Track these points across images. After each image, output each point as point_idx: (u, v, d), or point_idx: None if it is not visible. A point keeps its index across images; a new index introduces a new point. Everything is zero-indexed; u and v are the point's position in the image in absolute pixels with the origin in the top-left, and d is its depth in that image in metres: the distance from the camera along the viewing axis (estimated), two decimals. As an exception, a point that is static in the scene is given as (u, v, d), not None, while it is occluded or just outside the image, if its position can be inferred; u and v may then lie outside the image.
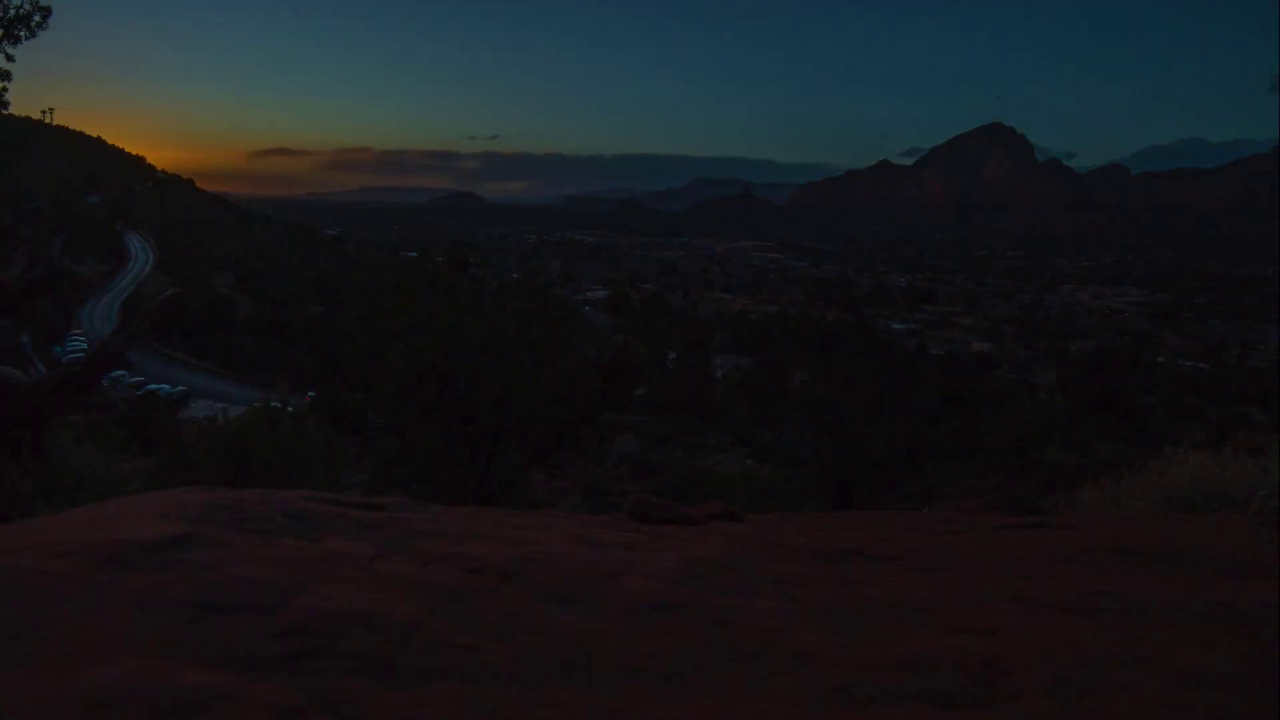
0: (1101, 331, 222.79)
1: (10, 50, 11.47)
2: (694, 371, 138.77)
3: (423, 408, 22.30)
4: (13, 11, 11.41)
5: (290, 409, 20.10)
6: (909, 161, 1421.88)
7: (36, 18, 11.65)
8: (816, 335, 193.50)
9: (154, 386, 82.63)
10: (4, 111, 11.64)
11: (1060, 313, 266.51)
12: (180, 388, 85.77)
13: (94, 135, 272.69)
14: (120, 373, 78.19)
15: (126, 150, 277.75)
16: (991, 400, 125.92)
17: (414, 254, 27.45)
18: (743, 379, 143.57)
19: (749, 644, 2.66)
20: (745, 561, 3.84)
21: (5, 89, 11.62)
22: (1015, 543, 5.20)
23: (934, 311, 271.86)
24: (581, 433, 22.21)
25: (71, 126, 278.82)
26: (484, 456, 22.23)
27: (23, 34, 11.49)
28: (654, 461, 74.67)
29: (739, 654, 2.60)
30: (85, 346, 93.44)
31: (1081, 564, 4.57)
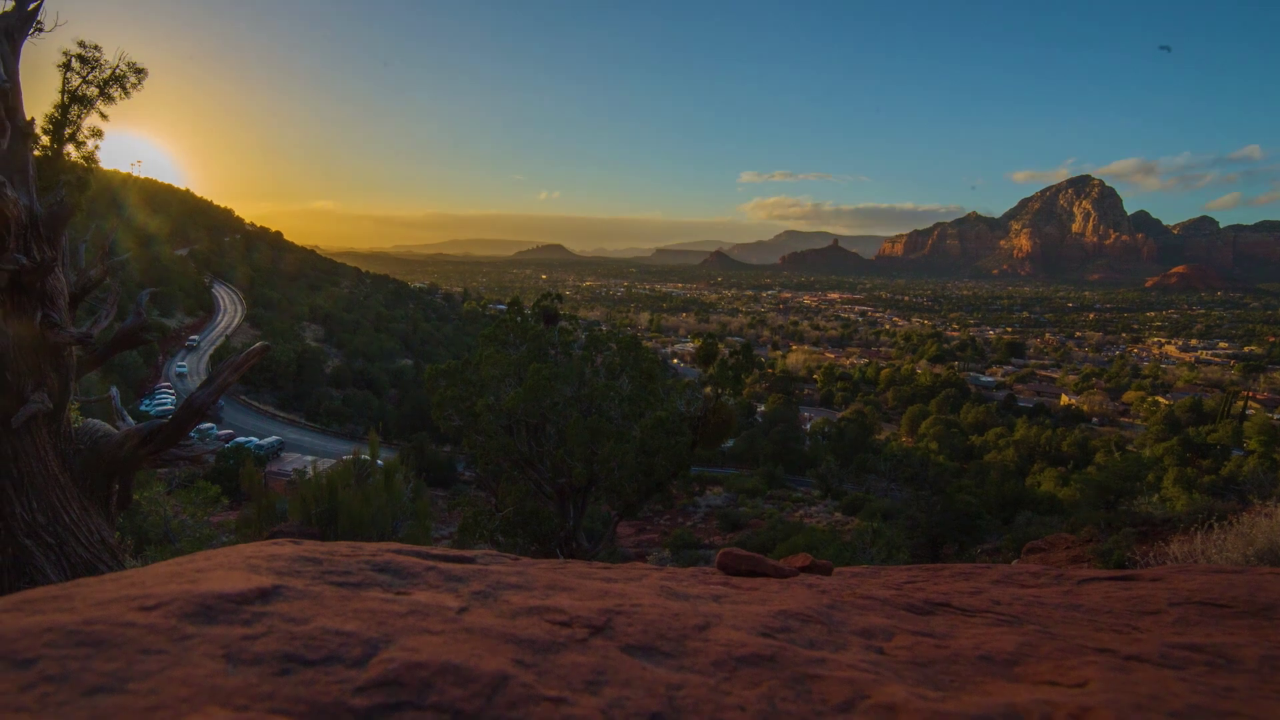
0: (1190, 384, 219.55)
1: (104, 110, 11.65)
2: (783, 424, 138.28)
3: (512, 460, 22.34)
4: (108, 72, 11.60)
5: (379, 462, 20.15)
6: (997, 214, 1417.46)
7: (131, 78, 11.83)
8: (906, 388, 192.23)
9: (243, 439, 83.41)
10: (95, 167, 11.81)
11: (1149, 366, 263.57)
12: (273, 439, 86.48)
13: (182, 188, 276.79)
14: (209, 426, 79.13)
15: (214, 203, 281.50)
16: (1081, 453, 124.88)
17: (503, 306, 27.52)
18: (831, 431, 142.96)
19: (837, 697, 2.64)
20: (833, 614, 3.81)
21: (98, 147, 11.81)
22: (1103, 595, 5.11)
23: (1023, 364, 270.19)
24: (671, 485, 22.11)
25: (159, 179, 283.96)
26: (573, 509, 22.21)
27: (117, 94, 11.67)
28: (742, 514, 74.64)
29: (827, 707, 2.58)
30: (174, 399, 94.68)
31: (1169, 617, 4.49)
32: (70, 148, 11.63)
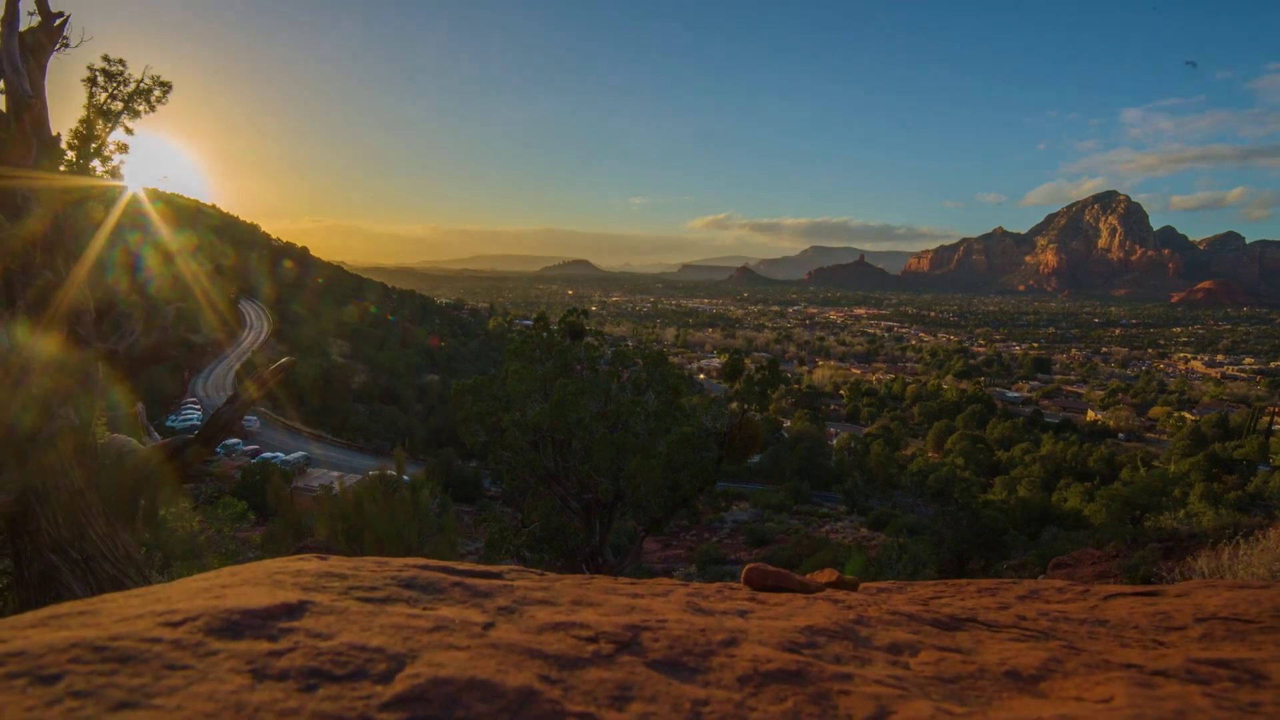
0: (1216, 400, 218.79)
1: (129, 125, 11.71)
2: (809, 440, 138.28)
3: (538, 475, 22.35)
4: (134, 86, 11.65)
5: (405, 477, 20.17)
6: (1023, 229, 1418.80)
7: (156, 92, 11.88)
8: (932, 404, 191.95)
9: (269, 455, 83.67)
10: (120, 183, 11.87)
11: (1175, 381, 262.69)
12: (299, 454, 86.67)
13: (209, 203, 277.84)
14: (235, 441, 79.43)
15: (241, 218, 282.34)
16: (1107, 468, 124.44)
17: (529, 322, 27.58)
18: (857, 447, 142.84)
19: (862, 713, 2.63)
20: (858, 629, 3.79)
21: (124, 162, 11.86)
22: (1128, 611, 5.09)
23: (1049, 380, 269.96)
24: (697, 501, 22.09)
25: (186, 194, 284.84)
26: (599, 524, 22.21)
27: (142, 108, 11.73)
28: (768, 529, 74.69)
29: (852, 722, 2.57)
30: (199, 415, 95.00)
31: (1195, 632, 4.47)
32: (96, 162, 11.69)
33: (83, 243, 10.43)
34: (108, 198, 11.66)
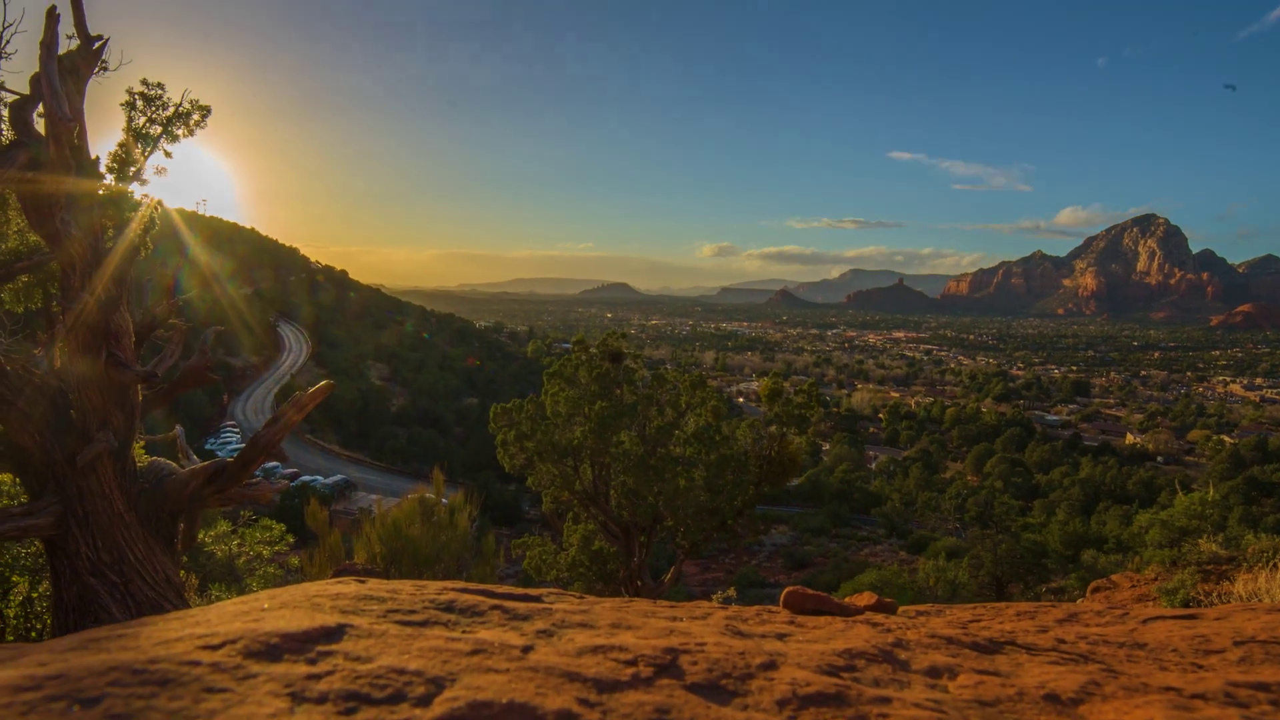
0: (1255, 423, 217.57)
1: (169, 148, 11.74)
2: (848, 463, 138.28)
3: (577, 497, 22.35)
4: (172, 109, 11.69)
5: (444, 500, 20.20)
6: (1062, 252, 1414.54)
7: (195, 116, 11.92)
8: (971, 427, 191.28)
9: (308, 478, 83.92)
10: (158, 206, 11.90)
11: (1214, 404, 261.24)
12: (338, 477, 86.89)
13: (248, 226, 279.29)
14: (274, 464, 79.73)
15: (280, 241, 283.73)
16: (1146, 491, 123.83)
17: (568, 345, 27.66)
18: (896, 470, 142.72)
19: (901, 735, 2.61)
20: (897, 653, 3.79)
21: (161, 174, 11.89)
22: (1166, 634, 5.11)
23: (1088, 403, 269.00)
24: (736, 524, 22.02)
25: (224, 217, 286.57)
26: (638, 547, 22.18)
27: (181, 132, 11.76)
28: (807, 553, 74.73)
29: (891, 745, 2.55)
30: (238, 438, 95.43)
31: (1234, 655, 4.48)
32: (135, 185, 11.73)
33: (122, 266, 10.48)
34: (146, 221, 11.70)
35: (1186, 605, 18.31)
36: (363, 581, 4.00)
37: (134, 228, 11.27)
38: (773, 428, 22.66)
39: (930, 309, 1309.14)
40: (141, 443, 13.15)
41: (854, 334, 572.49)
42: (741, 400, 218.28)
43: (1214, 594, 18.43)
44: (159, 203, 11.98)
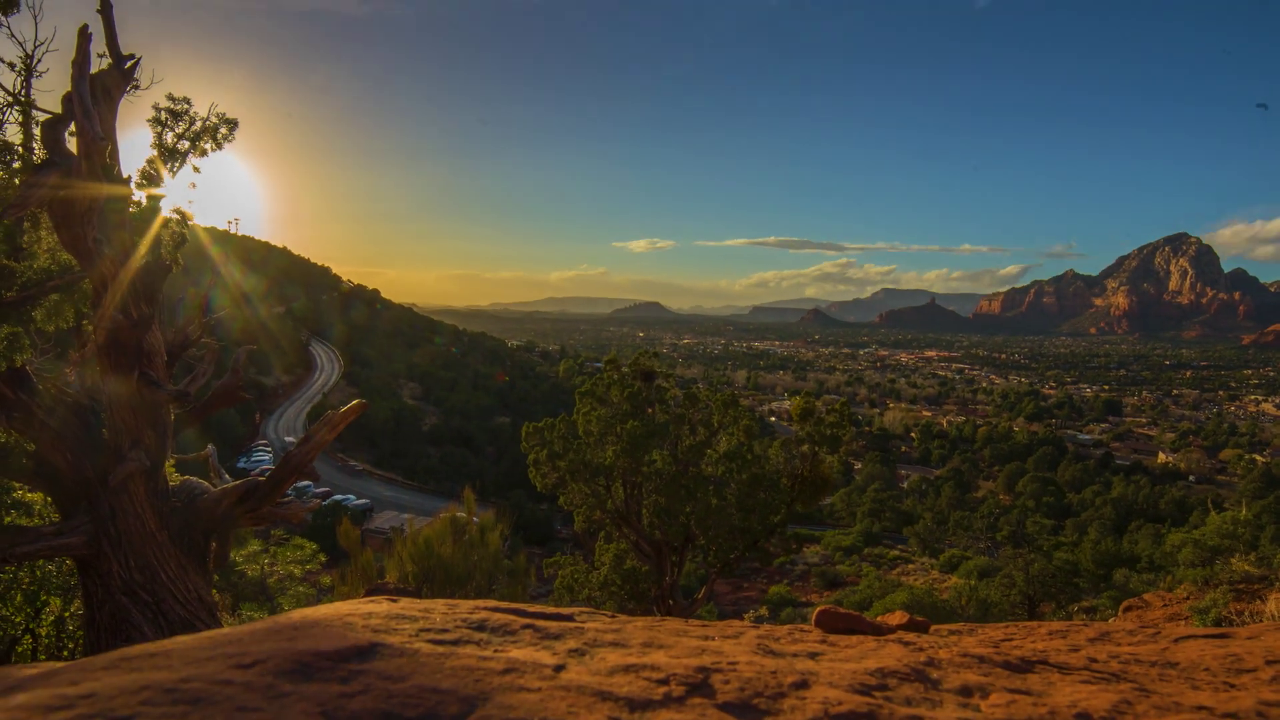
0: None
1: (197, 163, 11.78)
2: (880, 482, 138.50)
3: (609, 516, 22.34)
4: (199, 124, 11.73)
5: (475, 519, 20.24)
6: (1094, 271, 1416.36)
7: (223, 129, 11.96)
8: (1003, 446, 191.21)
9: (340, 497, 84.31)
10: (190, 223, 11.95)
11: (1246, 423, 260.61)
12: (365, 500, 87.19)
13: (279, 245, 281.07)
14: (306, 484, 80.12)
15: (312, 260, 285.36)
16: (1178, 511, 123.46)
17: (600, 364, 27.70)
18: (928, 489, 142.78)
19: (933, 755, 2.58)
20: (929, 672, 3.77)
21: (191, 202, 11.95)
22: (1198, 653, 5.09)
23: (1119, 422, 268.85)
24: (768, 543, 22.00)
25: (256, 236, 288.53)
26: (670, 566, 22.16)
27: (209, 146, 11.80)
28: (840, 572, 74.90)
29: (923, 764, 2.54)
30: (270, 457, 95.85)
31: (1266, 674, 4.46)
32: (165, 203, 11.78)
33: (154, 285, 10.51)
34: (178, 239, 11.75)
35: (1219, 624, 18.19)
36: (395, 600, 4.01)
37: (165, 245, 11.32)
38: (805, 447, 22.62)
39: (962, 328, 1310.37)
40: (173, 461, 13.20)
41: (886, 353, 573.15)
42: (773, 419, 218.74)
43: (1246, 613, 18.32)
44: (190, 218, 12.04)
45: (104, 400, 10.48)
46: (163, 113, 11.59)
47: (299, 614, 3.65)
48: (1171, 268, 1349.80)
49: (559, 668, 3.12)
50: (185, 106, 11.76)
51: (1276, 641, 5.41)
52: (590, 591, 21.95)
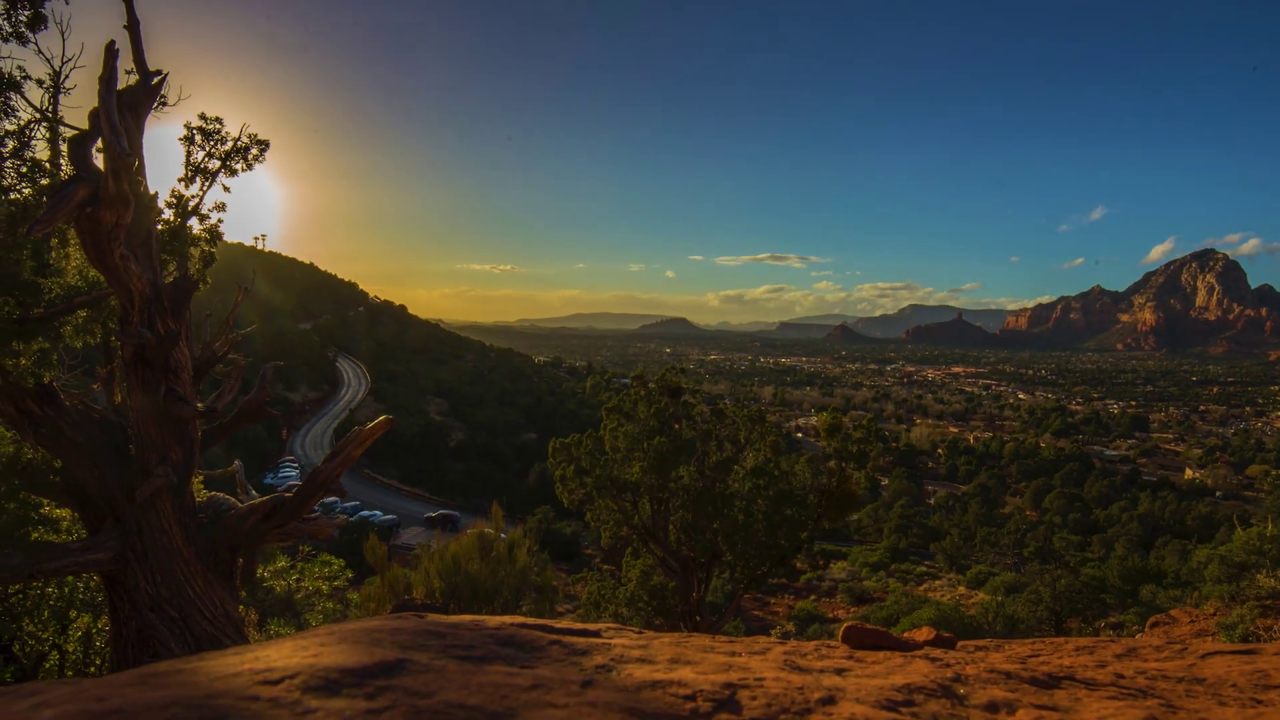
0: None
1: (227, 183, 11.82)
2: (907, 498, 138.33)
3: (636, 532, 22.34)
4: (230, 144, 11.77)
5: (503, 535, 20.25)
6: (1121, 287, 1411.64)
7: (254, 150, 12.00)
8: (1030, 462, 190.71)
9: (367, 513, 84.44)
10: (219, 240, 11.99)
11: (1273, 439, 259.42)
12: (392, 516, 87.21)
13: (306, 261, 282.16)
14: (333, 499, 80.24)
15: (339, 276, 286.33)
16: (1205, 527, 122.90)
17: (627, 380, 27.72)
18: (955, 505, 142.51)
19: (959, 771, 2.58)
20: (956, 687, 3.76)
21: (221, 220, 11.99)
22: (1225, 669, 5.08)
23: (1146, 438, 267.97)
24: (794, 559, 21.97)
25: (283, 252, 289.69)
26: (697, 582, 22.15)
27: (240, 167, 11.84)
28: (866, 588, 74.76)
29: (949, 781, 2.53)
30: (298, 473, 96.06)
31: None
32: (194, 220, 11.82)
33: (181, 302, 10.54)
34: (206, 258, 11.78)
35: (1245, 640, 18.07)
36: (422, 616, 4.00)
37: (193, 262, 11.36)
38: (831, 463, 22.59)
39: (989, 344, 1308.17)
40: (200, 477, 13.22)
41: (913, 369, 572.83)
42: (800, 435, 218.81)
43: (1274, 629, 18.21)
44: (220, 236, 12.08)
45: (131, 416, 10.50)
46: (194, 131, 11.63)
47: (325, 630, 3.66)
48: (1198, 284, 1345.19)
49: (586, 684, 3.10)
50: (217, 126, 11.80)
51: (1305, 656, 5.39)
52: (617, 607, 21.95)
